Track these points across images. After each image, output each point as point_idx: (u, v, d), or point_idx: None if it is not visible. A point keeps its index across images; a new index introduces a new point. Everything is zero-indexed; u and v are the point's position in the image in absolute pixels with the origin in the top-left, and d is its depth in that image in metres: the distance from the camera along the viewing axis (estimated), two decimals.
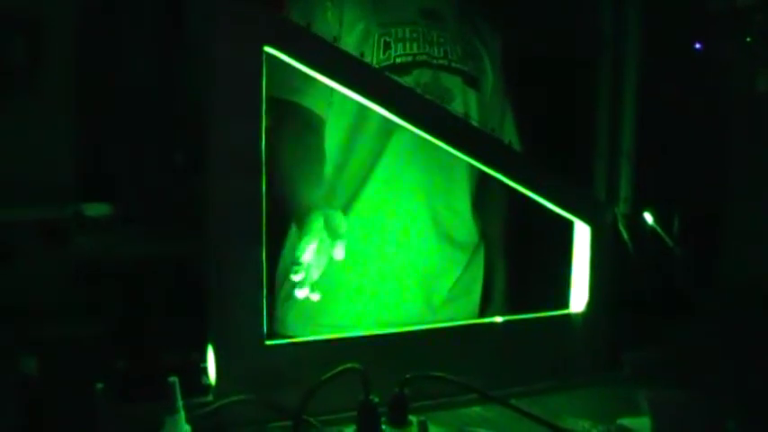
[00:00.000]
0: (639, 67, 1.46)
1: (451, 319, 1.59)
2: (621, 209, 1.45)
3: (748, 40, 1.62)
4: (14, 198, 2.27)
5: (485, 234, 1.75)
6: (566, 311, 1.44)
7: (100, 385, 1.10)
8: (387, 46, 1.54)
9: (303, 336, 1.43)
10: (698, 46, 1.89)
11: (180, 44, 2.85)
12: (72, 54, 2.55)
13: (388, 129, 1.51)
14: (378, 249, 1.57)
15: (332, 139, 1.55)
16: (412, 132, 1.30)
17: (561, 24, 2.06)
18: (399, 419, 1.03)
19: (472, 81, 1.65)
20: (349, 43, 1.49)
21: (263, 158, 1.14)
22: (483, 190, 1.72)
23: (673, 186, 1.75)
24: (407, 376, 1.06)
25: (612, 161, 1.48)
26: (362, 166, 1.55)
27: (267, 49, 1.14)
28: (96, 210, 2.52)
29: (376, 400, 1.02)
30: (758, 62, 1.60)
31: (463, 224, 1.67)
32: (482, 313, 1.72)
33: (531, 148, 1.74)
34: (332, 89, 1.35)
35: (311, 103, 1.51)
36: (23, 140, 2.46)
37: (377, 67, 1.50)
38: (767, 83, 1.60)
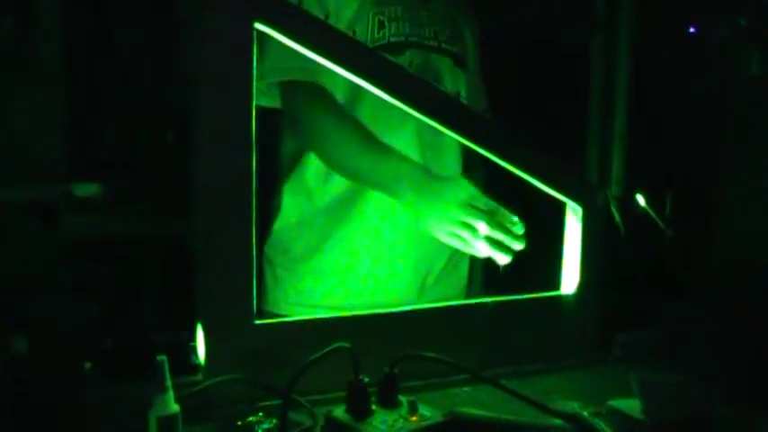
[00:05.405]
0: (632, 49, 1.46)
1: (442, 298, 1.58)
2: (613, 191, 1.45)
3: (742, 23, 1.62)
4: (3, 178, 2.26)
5: None
6: (557, 293, 1.44)
7: (88, 365, 1.09)
8: (381, 25, 1.52)
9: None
10: (692, 30, 1.88)
11: (171, 21, 2.84)
12: (61, 33, 2.52)
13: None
14: (374, 230, 1.56)
15: None
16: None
17: (553, 6, 2.05)
18: (389, 399, 1.03)
19: (461, 62, 1.65)
20: (343, 20, 1.47)
21: (254, 135, 1.13)
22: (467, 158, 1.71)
23: (665, 169, 1.76)
24: (398, 356, 1.05)
25: (605, 143, 1.48)
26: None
27: (258, 25, 1.12)
28: (86, 190, 2.50)
29: (366, 379, 1.01)
30: (752, 45, 1.60)
31: None
32: (468, 289, 1.72)
33: (524, 129, 1.73)
34: None
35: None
36: (12, 120, 2.43)
37: (372, 45, 1.48)
38: (760, 66, 1.60)
